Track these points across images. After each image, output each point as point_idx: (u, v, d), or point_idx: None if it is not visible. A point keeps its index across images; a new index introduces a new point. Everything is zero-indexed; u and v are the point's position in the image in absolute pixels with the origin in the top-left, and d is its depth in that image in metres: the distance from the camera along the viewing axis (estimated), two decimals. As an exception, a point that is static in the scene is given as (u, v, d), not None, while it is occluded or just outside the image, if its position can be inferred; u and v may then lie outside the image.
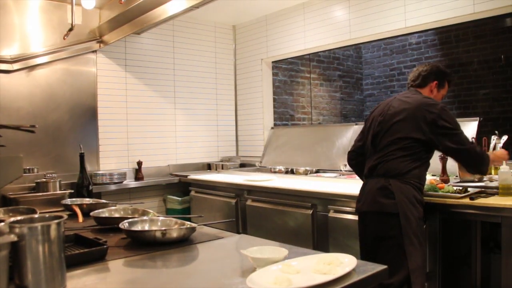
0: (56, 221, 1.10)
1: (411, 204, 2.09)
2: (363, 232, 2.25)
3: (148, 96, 4.34)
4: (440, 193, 2.31)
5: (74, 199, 2.62)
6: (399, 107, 2.23)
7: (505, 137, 2.77)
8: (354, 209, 2.36)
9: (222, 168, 4.55)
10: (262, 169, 4.35)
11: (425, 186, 2.44)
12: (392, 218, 2.08)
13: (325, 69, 5.88)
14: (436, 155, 2.85)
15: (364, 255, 2.21)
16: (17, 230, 1.03)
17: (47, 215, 1.21)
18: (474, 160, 2.18)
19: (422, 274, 2.08)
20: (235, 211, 3.56)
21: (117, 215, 1.97)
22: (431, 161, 2.50)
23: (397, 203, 2.08)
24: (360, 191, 2.30)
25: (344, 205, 2.71)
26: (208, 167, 4.74)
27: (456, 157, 2.25)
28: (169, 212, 4.28)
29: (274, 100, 4.98)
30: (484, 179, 2.64)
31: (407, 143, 2.15)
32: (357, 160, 2.45)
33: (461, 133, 2.17)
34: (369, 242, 2.21)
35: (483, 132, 3.01)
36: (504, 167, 2.28)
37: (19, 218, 1.17)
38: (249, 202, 3.45)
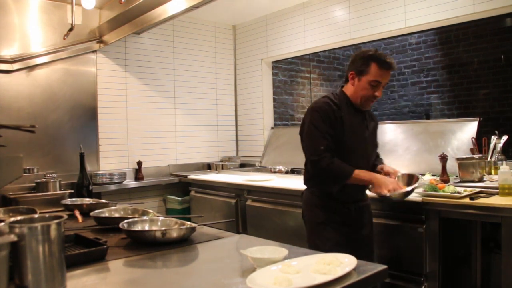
0: (56, 221, 1.10)
1: (309, 210, 2.21)
2: None
3: (148, 96, 4.34)
4: (440, 193, 2.31)
5: (74, 199, 2.62)
6: None
7: (505, 137, 2.77)
8: None
9: (222, 168, 4.55)
10: (262, 169, 4.35)
11: (425, 186, 2.44)
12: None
13: (325, 69, 5.88)
14: (436, 154, 2.86)
15: None
16: (17, 230, 1.03)
17: (47, 215, 1.21)
18: (315, 174, 2.10)
19: None
20: (235, 211, 3.56)
21: (117, 215, 1.98)
22: (430, 160, 2.48)
23: (303, 210, 2.26)
24: None
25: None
26: (208, 167, 4.74)
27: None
28: (169, 212, 4.28)
29: (274, 100, 4.98)
30: (484, 179, 2.64)
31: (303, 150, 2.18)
32: None
33: (312, 141, 2.06)
34: None
35: (483, 132, 3.01)
36: (504, 167, 2.28)
37: (19, 218, 1.17)
38: (249, 202, 3.45)
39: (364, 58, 2.09)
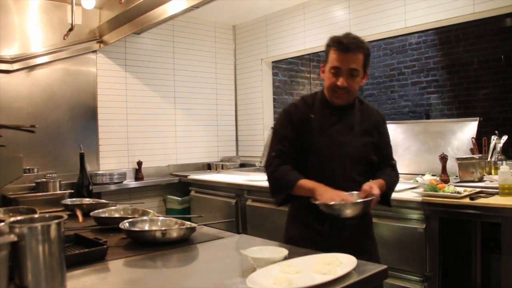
0: (56, 221, 1.10)
1: (289, 224, 1.93)
2: None
3: (148, 96, 4.33)
4: (440, 193, 2.31)
5: (74, 199, 2.62)
6: None
7: (505, 137, 2.77)
8: None
9: (222, 168, 4.55)
10: (262, 169, 4.35)
11: (425, 186, 2.44)
12: None
13: (325, 69, 5.88)
14: (436, 154, 2.86)
15: None
16: (17, 230, 1.03)
17: (47, 215, 1.21)
18: (268, 181, 1.86)
19: None
20: (235, 211, 3.56)
21: (117, 215, 1.98)
22: (430, 160, 2.46)
23: None
24: None
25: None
26: (208, 167, 4.74)
27: None
28: (169, 212, 4.28)
29: (274, 100, 4.98)
30: (484, 179, 2.64)
31: None
32: None
33: (269, 147, 1.91)
34: None
35: (483, 132, 3.01)
36: (504, 167, 2.28)
37: (19, 218, 1.17)
38: (249, 202, 3.45)
39: (325, 46, 1.88)
